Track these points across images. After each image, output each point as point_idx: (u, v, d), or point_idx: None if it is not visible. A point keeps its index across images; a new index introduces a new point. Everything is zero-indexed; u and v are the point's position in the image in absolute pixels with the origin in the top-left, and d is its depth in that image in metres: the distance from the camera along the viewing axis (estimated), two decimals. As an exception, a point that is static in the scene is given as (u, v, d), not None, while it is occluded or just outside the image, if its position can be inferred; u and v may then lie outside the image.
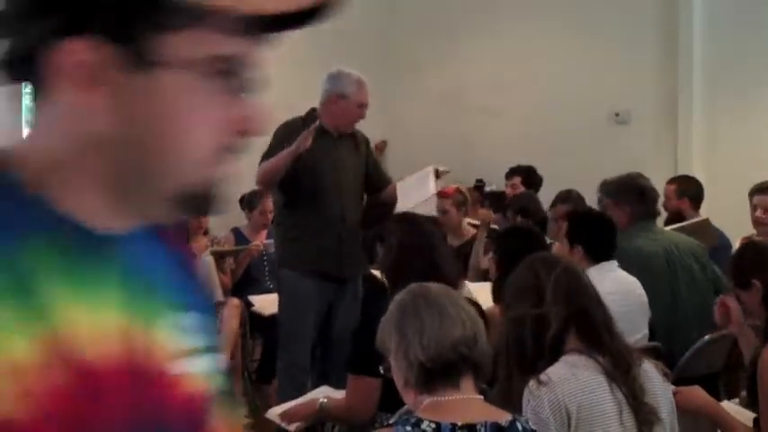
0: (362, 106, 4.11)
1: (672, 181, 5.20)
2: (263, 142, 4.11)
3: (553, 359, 2.19)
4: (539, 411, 2.08)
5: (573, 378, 2.14)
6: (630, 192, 3.95)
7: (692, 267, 3.86)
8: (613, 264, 3.44)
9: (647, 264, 3.74)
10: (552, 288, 2.25)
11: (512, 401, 2.12)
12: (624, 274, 3.46)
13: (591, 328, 2.24)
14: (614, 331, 2.28)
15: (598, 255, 3.42)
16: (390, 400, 2.66)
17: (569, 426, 2.11)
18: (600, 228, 3.55)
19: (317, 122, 3.88)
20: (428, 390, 1.89)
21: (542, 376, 2.13)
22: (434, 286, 2.05)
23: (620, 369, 2.18)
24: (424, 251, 2.93)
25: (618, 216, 3.89)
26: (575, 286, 2.30)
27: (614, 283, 3.32)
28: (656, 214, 4.08)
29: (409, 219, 3.28)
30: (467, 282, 4.29)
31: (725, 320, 3.00)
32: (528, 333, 2.23)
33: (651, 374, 2.26)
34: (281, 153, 3.88)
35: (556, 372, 2.15)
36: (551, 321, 2.21)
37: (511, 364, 2.25)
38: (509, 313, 2.34)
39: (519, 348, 2.23)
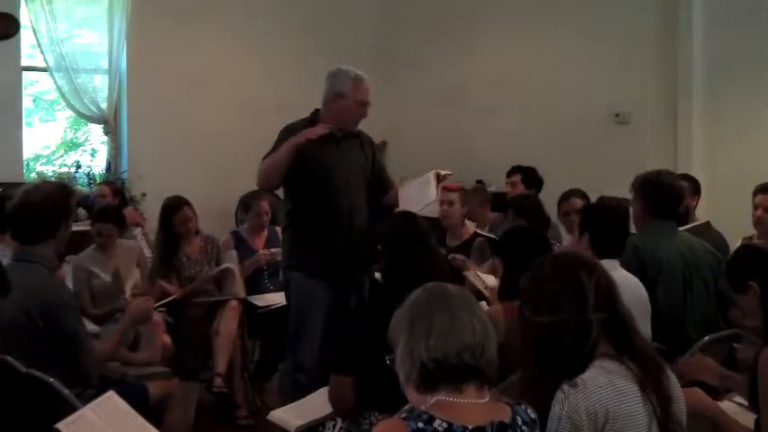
0: (363, 104, 4.04)
1: (683, 178, 5.03)
2: (261, 146, 4.11)
3: (585, 363, 2.12)
4: (573, 416, 2.03)
5: (610, 385, 2.08)
6: (648, 186, 3.83)
7: (707, 276, 3.79)
8: (615, 263, 3.40)
9: (664, 267, 3.69)
10: (594, 293, 2.14)
11: (543, 406, 2.07)
12: (625, 273, 3.43)
13: (623, 332, 2.18)
14: (641, 335, 2.22)
15: (602, 248, 3.38)
16: (378, 399, 2.70)
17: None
18: (607, 222, 3.51)
19: (326, 128, 3.84)
20: (429, 389, 1.89)
21: (577, 380, 2.07)
22: (452, 288, 2.03)
23: (650, 376, 2.14)
24: (408, 251, 3.00)
25: (635, 210, 3.85)
26: (612, 290, 2.21)
27: None
28: (674, 215, 3.90)
29: (396, 219, 3.30)
30: (479, 273, 4.30)
31: None
32: (569, 339, 2.12)
33: (673, 379, 2.22)
34: (282, 147, 3.85)
35: (593, 378, 2.08)
36: (593, 327, 2.12)
37: (543, 371, 2.15)
38: (543, 318, 2.16)
39: (556, 355, 2.13)
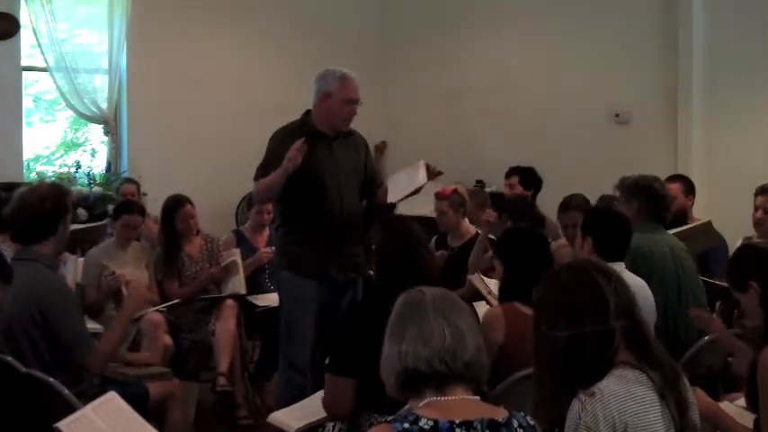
0: (350, 102, 4.00)
1: (674, 179, 5.04)
2: (261, 147, 4.11)
3: (604, 372, 2.07)
4: (589, 425, 1.99)
5: (628, 395, 2.04)
6: (641, 191, 3.94)
7: (694, 268, 3.89)
8: (620, 265, 3.37)
9: (656, 262, 3.74)
10: (615, 298, 2.09)
11: (561, 417, 2.04)
12: (632, 275, 3.39)
13: (642, 339, 2.12)
14: (655, 341, 2.18)
15: (607, 251, 3.38)
16: (375, 398, 2.69)
17: None
18: (613, 225, 3.51)
19: (303, 140, 3.76)
20: (413, 395, 1.92)
21: (594, 389, 2.02)
22: (430, 292, 2.01)
23: (670, 384, 2.10)
24: (401, 254, 3.00)
25: (626, 213, 3.87)
26: (631, 296, 2.15)
27: None
28: (664, 219, 4.00)
29: (390, 222, 3.31)
30: (483, 277, 4.31)
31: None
32: (590, 350, 2.06)
33: (689, 385, 2.19)
34: (274, 173, 3.83)
35: (610, 387, 2.04)
36: (615, 336, 2.07)
37: (560, 382, 2.10)
38: (563, 331, 2.09)
39: (575, 366, 2.07)
